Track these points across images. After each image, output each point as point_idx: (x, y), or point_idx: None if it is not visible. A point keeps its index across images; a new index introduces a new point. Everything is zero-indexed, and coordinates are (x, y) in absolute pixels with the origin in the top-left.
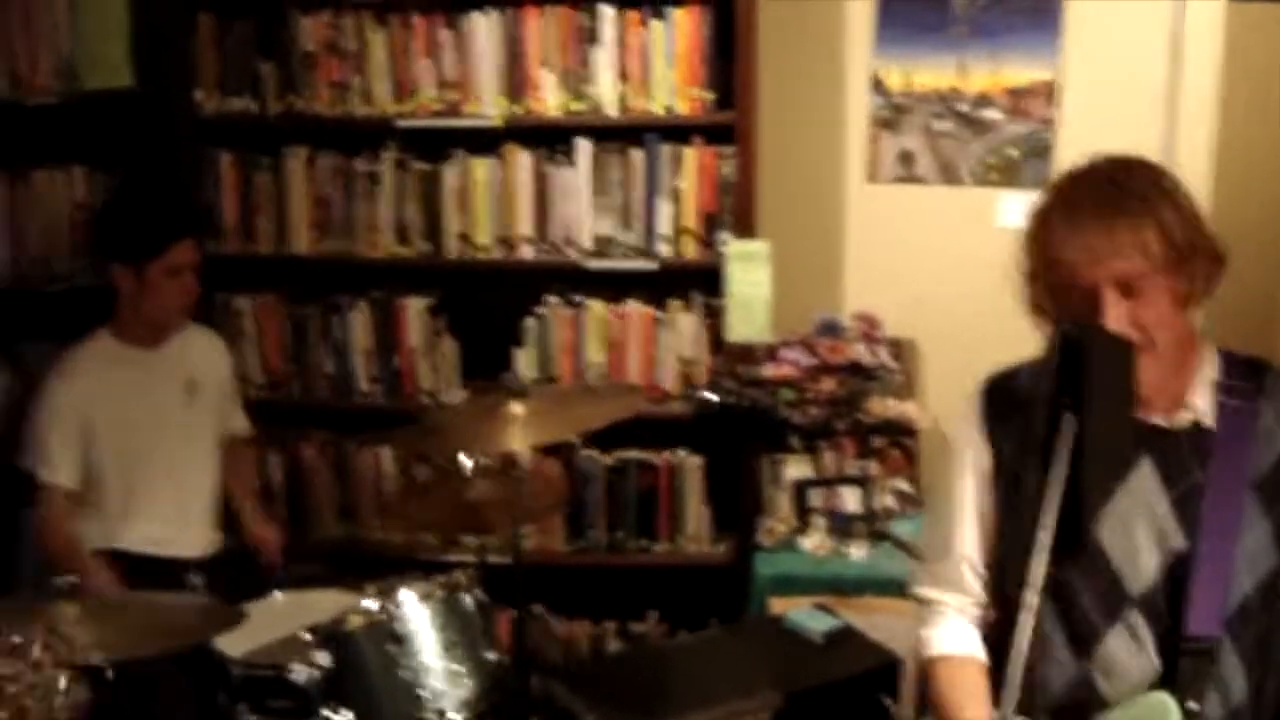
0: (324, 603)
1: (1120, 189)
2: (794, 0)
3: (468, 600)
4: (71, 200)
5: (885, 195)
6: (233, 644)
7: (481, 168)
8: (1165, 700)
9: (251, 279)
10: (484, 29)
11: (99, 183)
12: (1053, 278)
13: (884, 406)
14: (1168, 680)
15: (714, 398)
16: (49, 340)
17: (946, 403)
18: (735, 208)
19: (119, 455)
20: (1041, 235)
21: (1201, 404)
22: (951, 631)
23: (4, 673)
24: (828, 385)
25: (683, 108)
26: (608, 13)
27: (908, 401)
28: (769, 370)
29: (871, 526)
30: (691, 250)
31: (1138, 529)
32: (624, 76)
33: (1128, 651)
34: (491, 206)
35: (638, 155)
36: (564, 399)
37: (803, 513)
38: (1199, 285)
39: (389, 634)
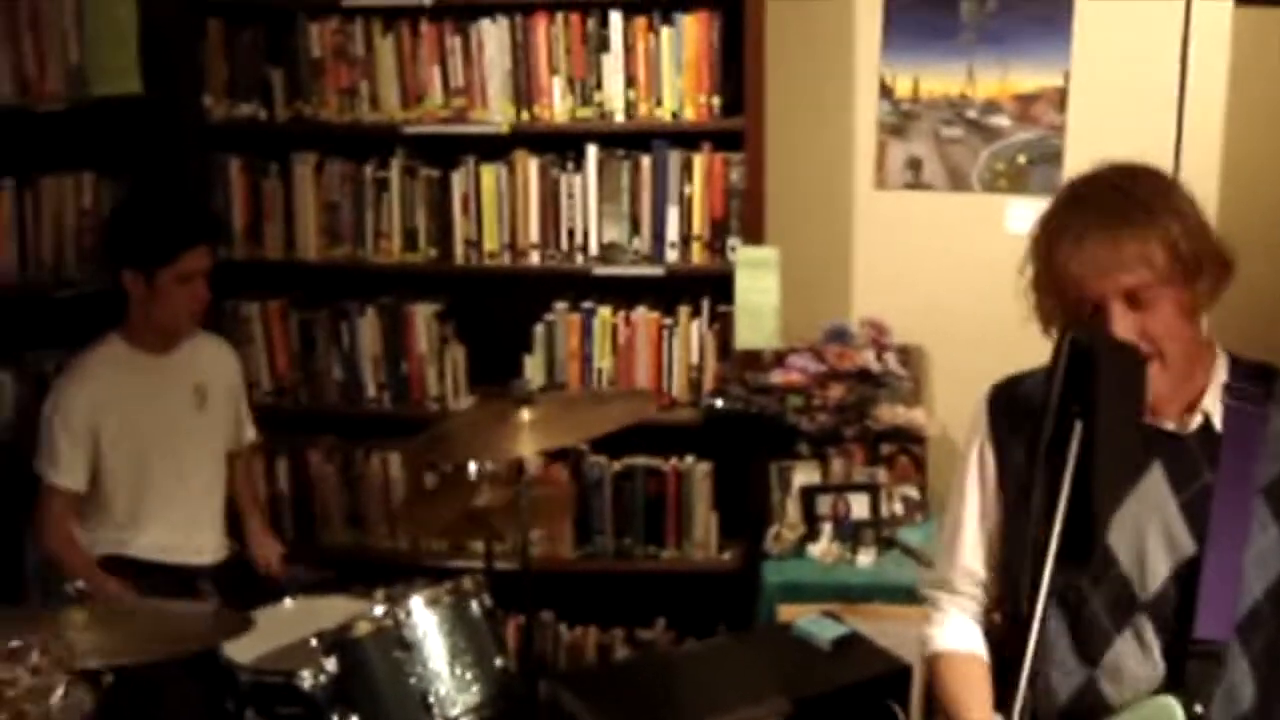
0: (332, 609)
1: (1126, 198)
2: (802, 6)
3: (475, 607)
4: (80, 207)
5: (893, 202)
6: (241, 650)
7: (490, 174)
8: (1171, 704)
9: (260, 285)
10: (493, 36)
11: (108, 189)
12: (1059, 289)
13: (892, 413)
14: (1174, 684)
15: (722, 404)
16: (57, 347)
17: (955, 409)
18: (743, 214)
19: (128, 461)
20: (1047, 246)
21: (1211, 408)
22: (954, 628)
23: (2, 677)
24: (836, 392)
25: (691, 114)
26: (616, 19)
27: (916, 408)
28: (777, 377)
29: (880, 533)
30: (700, 257)
31: (1148, 534)
32: (632, 83)
33: (1135, 658)
34: (500, 213)
35: (646, 162)
36: (572, 405)
37: (811, 519)
38: (1206, 295)
39: (397, 640)
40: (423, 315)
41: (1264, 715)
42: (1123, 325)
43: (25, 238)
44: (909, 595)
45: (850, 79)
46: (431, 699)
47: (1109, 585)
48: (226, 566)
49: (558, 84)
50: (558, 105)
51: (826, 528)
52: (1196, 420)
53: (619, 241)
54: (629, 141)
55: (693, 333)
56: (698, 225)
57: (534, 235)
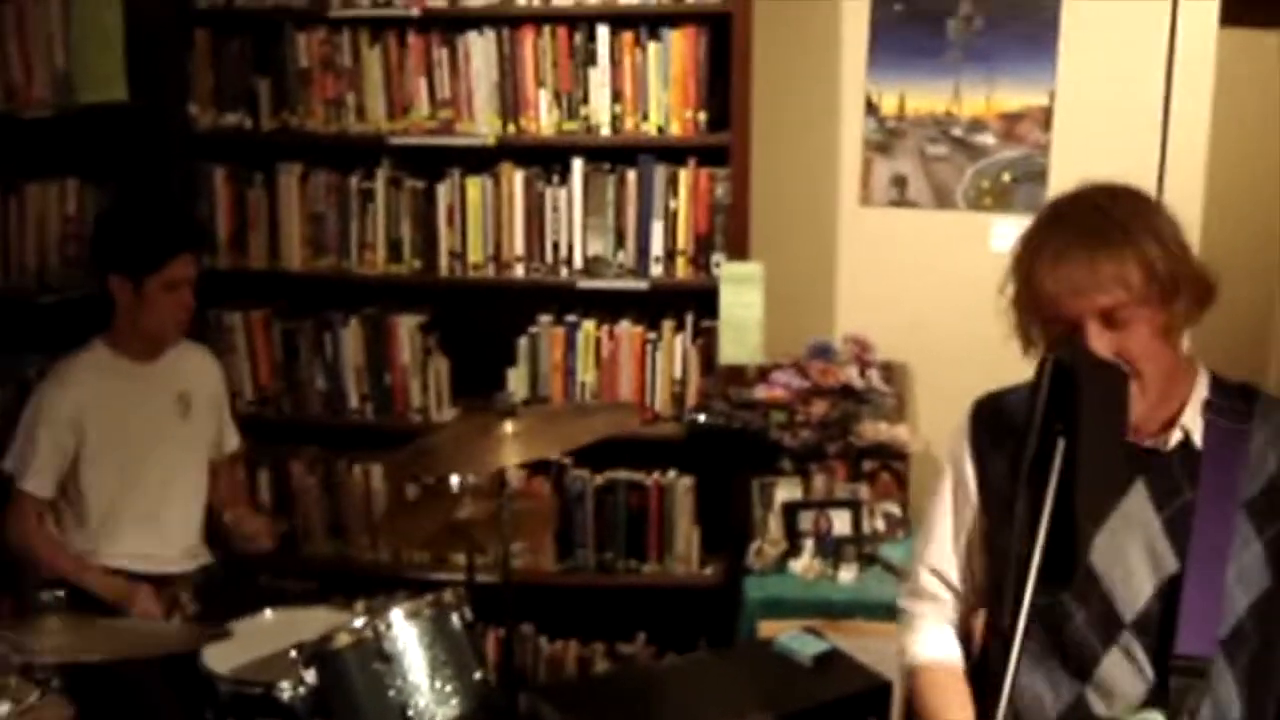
0: (312, 620)
1: (1105, 218)
2: (789, 23)
3: (456, 619)
4: (64, 213)
5: (878, 219)
6: (220, 661)
7: (475, 186)
8: (1157, 719)
9: (243, 294)
10: (479, 48)
11: (92, 196)
12: (1037, 307)
13: (875, 430)
14: (1163, 700)
15: (704, 419)
16: (40, 352)
17: (938, 426)
18: (728, 229)
19: (108, 467)
20: (1027, 264)
21: (1190, 424)
22: (931, 638)
23: None
24: (819, 408)
25: (677, 129)
26: (603, 33)
27: (899, 425)
28: (760, 392)
29: (861, 550)
30: (684, 271)
31: (1131, 552)
32: (618, 97)
33: (1124, 674)
34: (485, 225)
35: (631, 176)
36: (555, 418)
37: (793, 535)
38: (1184, 316)
39: (377, 652)
40: (406, 326)
41: None
42: (1099, 345)
43: (9, 243)
44: (890, 612)
45: (836, 96)
46: (411, 711)
47: (1093, 603)
48: (206, 575)
49: (544, 97)
50: (544, 118)
51: (808, 544)
52: (1175, 437)
53: (604, 255)
54: (615, 155)
55: (676, 347)
56: (682, 240)
57: (519, 248)
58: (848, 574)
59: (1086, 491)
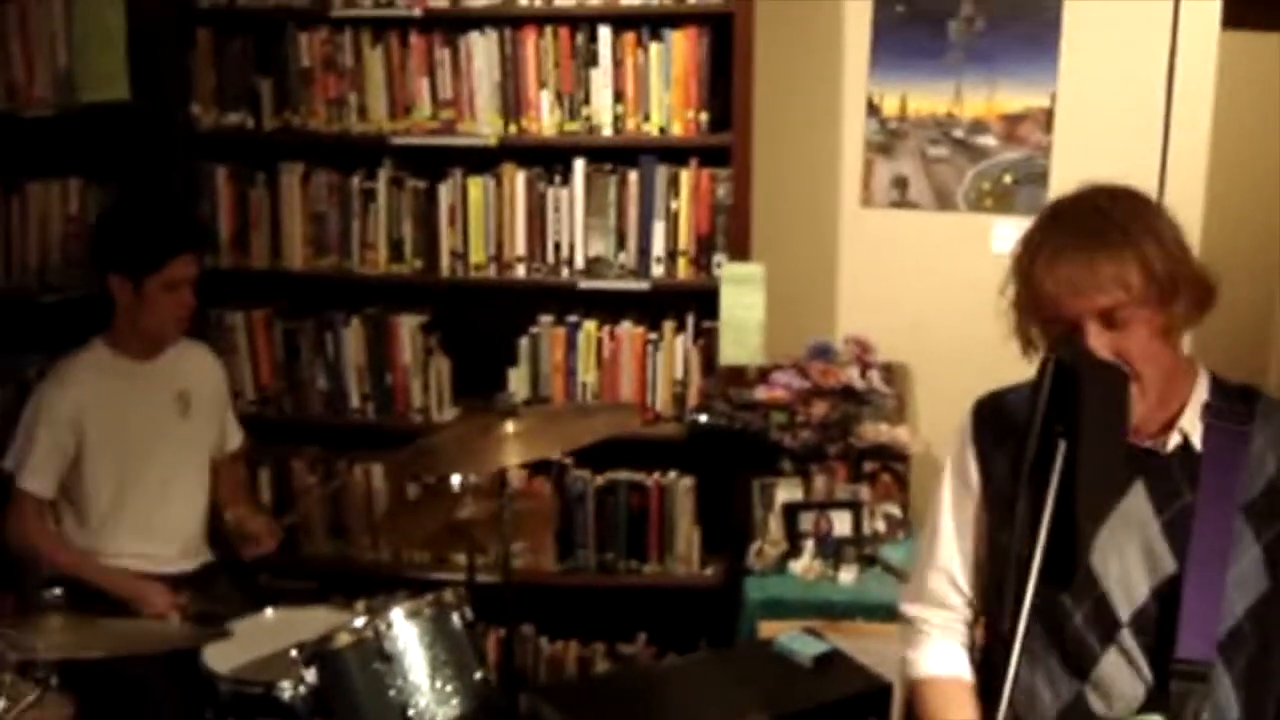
0: (313, 620)
1: (1104, 219)
2: (791, 23)
3: (456, 619)
4: (66, 213)
5: (879, 220)
6: (221, 660)
7: (477, 186)
8: None
9: (245, 294)
10: (481, 48)
11: (94, 195)
12: (1037, 307)
13: (876, 431)
14: (1162, 702)
15: (705, 419)
16: (40, 351)
17: (938, 428)
18: (730, 230)
19: (108, 466)
20: (1026, 265)
21: (1189, 427)
22: (937, 652)
23: None
24: (819, 409)
25: (678, 129)
26: (605, 34)
27: (899, 426)
28: (761, 393)
29: (861, 551)
30: (685, 272)
31: (1129, 553)
32: (620, 97)
33: (1123, 674)
34: (486, 225)
35: (633, 176)
36: (556, 418)
37: (793, 536)
38: (1183, 317)
39: (377, 652)
40: (408, 326)
41: None
42: (1098, 345)
43: (11, 242)
44: (890, 613)
45: (838, 97)
46: (411, 711)
47: (1091, 604)
48: (206, 573)
49: (546, 97)
50: (546, 118)
51: (808, 545)
52: (1174, 440)
53: (605, 256)
54: (616, 156)
55: (677, 348)
56: (684, 240)
57: (520, 248)
58: (848, 575)
59: (1087, 492)
